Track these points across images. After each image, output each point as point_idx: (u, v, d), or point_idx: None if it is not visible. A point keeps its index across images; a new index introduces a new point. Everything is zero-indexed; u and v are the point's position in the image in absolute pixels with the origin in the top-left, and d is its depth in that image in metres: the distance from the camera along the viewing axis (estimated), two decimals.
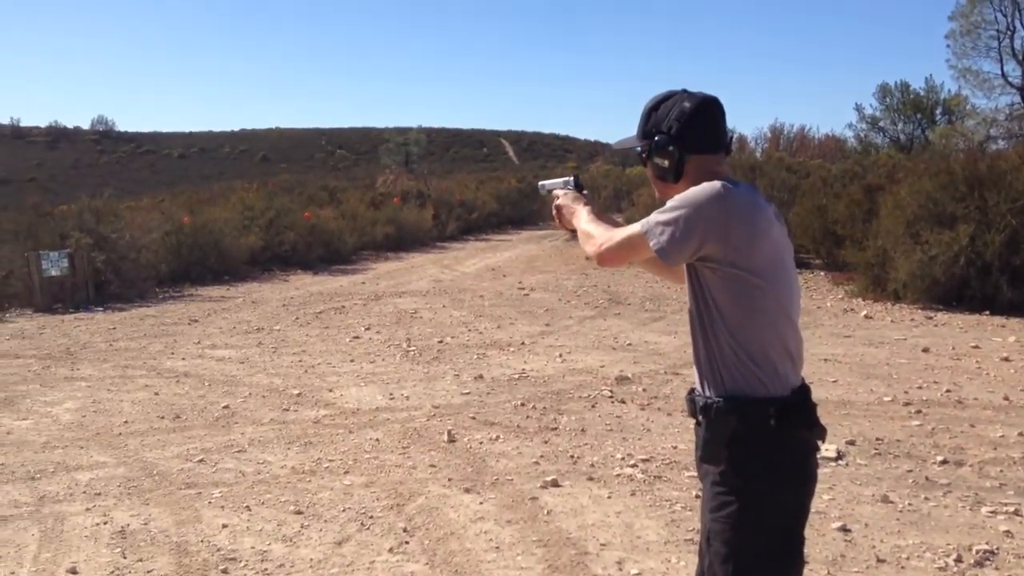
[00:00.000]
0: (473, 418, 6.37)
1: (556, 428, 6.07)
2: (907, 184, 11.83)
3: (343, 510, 4.67)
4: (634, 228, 2.22)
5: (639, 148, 2.37)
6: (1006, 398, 6.55)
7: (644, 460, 5.32)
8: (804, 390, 2.23)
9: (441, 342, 9.33)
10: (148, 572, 3.99)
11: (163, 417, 6.62)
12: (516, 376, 7.65)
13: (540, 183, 2.96)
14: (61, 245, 13.57)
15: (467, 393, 7.12)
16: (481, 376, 7.67)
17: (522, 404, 6.70)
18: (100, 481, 5.21)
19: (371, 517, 4.56)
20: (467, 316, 11.06)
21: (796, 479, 2.17)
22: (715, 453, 2.18)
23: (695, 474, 4.95)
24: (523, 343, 9.16)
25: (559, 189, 2.71)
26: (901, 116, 37.38)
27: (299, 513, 4.64)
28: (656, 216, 2.16)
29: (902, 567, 3.84)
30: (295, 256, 17.87)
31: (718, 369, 2.20)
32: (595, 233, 2.36)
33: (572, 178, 2.76)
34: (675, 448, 5.56)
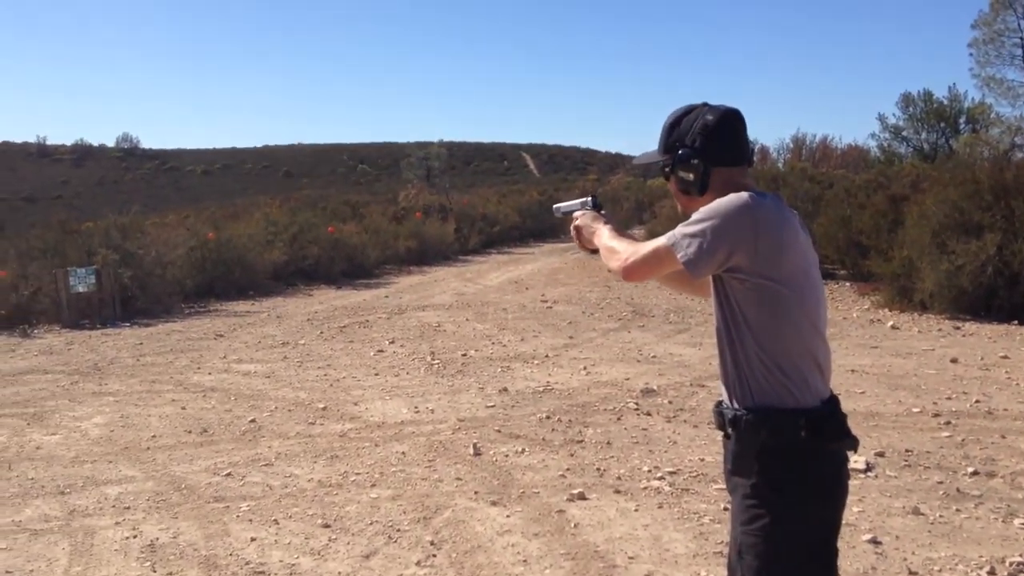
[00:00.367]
0: (498, 431, 6.36)
1: (582, 441, 6.05)
2: (932, 194, 11.75)
3: (370, 523, 4.68)
4: (659, 241, 2.22)
5: (662, 162, 2.37)
6: None
7: (671, 473, 5.30)
8: (833, 401, 2.22)
9: (465, 355, 9.34)
10: None
11: (190, 431, 6.67)
12: (541, 389, 7.65)
13: (555, 206, 2.97)
14: (88, 262, 13.72)
15: (492, 406, 7.12)
16: (505, 389, 7.67)
17: (547, 417, 6.69)
18: (129, 495, 5.25)
19: (398, 530, 4.57)
20: (490, 329, 11.07)
21: (828, 491, 2.16)
22: (746, 466, 2.17)
23: (723, 487, 4.92)
24: (547, 356, 9.15)
25: (577, 210, 2.72)
26: (924, 125, 37.13)
27: (327, 526, 4.65)
28: (682, 228, 2.16)
29: None
30: (319, 270, 17.96)
31: (747, 381, 2.19)
32: (619, 248, 2.36)
33: (590, 197, 2.76)
34: (702, 460, 5.53)
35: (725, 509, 4.65)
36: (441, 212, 25.71)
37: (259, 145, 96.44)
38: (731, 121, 2.28)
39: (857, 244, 13.25)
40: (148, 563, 4.25)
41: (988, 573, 3.82)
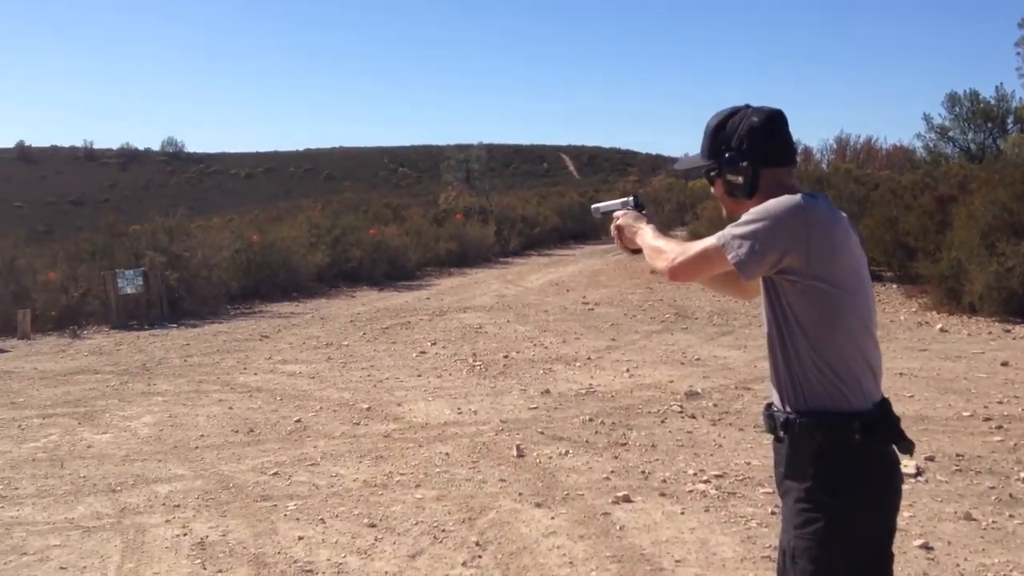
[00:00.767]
0: (541, 433, 6.37)
1: (626, 443, 6.04)
2: (981, 194, 11.54)
3: (415, 523, 4.71)
4: (709, 241, 2.21)
5: (707, 166, 2.36)
6: None
7: (717, 476, 5.26)
8: (886, 404, 2.20)
9: (507, 357, 9.35)
10: None
11: (237, 431, 6.75)
12: (583, 391, 7.64)
13: (594, 206, 2.93)
14: (136, 264, 13.95)
15: (534, 408, 7.12)
16: (548, 391, 7.67)
17: (590, 419, 6.68)
18: (179, 493, 5.33)
19: (443, 531, 4.59)
20: (532, 331, 11.07)
21: (883, 494, 2.14)
22: (800, 469, 2.15)
23: (770, 490, 4.90)
24: (589, 358, 9.14)
25: (617, 210, 2.70)
26: (971, 125, 36.43)
27: (372, 526, 4.69)
28: (732, 229, 2.15)
29: None
30: (361, 272, 18.10)
31: (799, 384, 2.17)
32: (666, 248, 2.34)
33: (632, 197, 2.73)
34: (748, 464, 5.49)
35: (773, 513, 4.61)
36: (481, 214, 25.77)
37: (301, 148, 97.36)
38: (777, 122, 2.27)
39: (904, 246, 13.06)
40: (198, 560, 4.31)
41: None
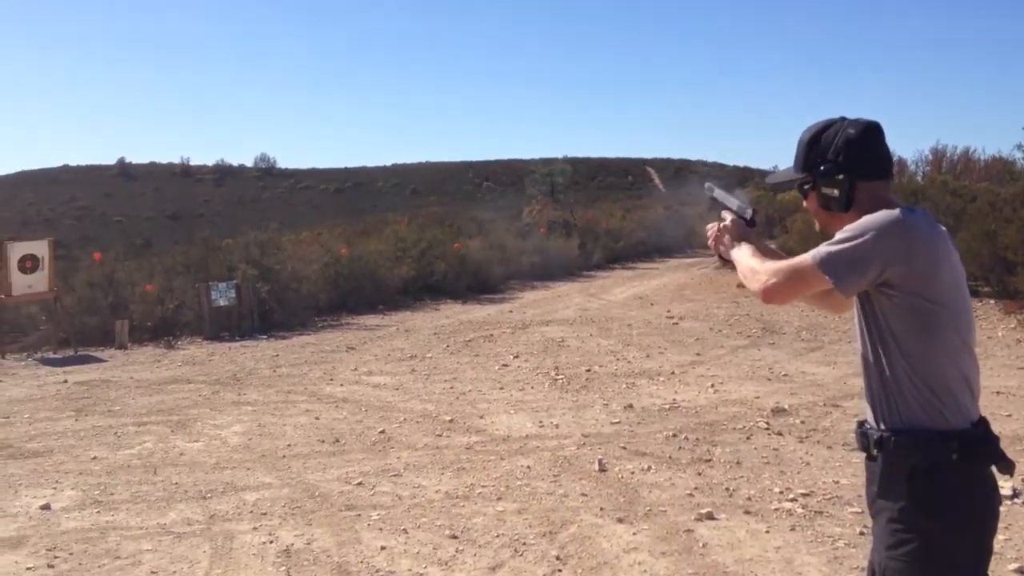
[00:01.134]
0: (624, 448, 6.31)
1: (710, 460, 5.94)
2: None
3: (496, 536, 4.71)
4: (803, 259, 2.15)
5: (801, 179, 2.31)
6: None
7: (804, 494, 5.14)
8: (984, 423, 2.12)
9: (589, 371, 9.31)
10: None
11: (323, 441, 6.87)
12: (667, 406, 7.55)
13: (708, 184, 2.80)
14: (228, 276, 14.34)
15: (617, 422, 7.07)
16: (631, 405, 7.61)
17: (674, 435, 6.59)
18: (266, 501, 5.45)
19: (524, 544, 4.58)
20: (615, 345, 11.00)
21: (979, 516, 2.06)
22: (894, 489, 2.09)
23: (859, 510, 4.76)
24: (673, 372, 9.03)
25: (728, 213, 2.60)
26: None
27: (454, 537, 4.71)
28: (827, 247, 2.09)
29: None
30: (445, 285, 18.26)
31: (894, 401, 2.11)
32: (759, 268, 2.29)
33: (751, 210, 2.60)
34: (836, 483, 5.34)
35: (861, 533, 4.48)
36: (565, 228, 25.74)
37: (388, 164, 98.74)
38: (874, 134, 2.22)
39: (1003, 260, 12.57)
40: (284, 568, 4.39)
41: None
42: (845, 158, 2.20)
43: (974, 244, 13.08)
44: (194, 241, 17.80)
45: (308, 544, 4.71)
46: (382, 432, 7.04)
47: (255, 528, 4.98)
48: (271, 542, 4.75)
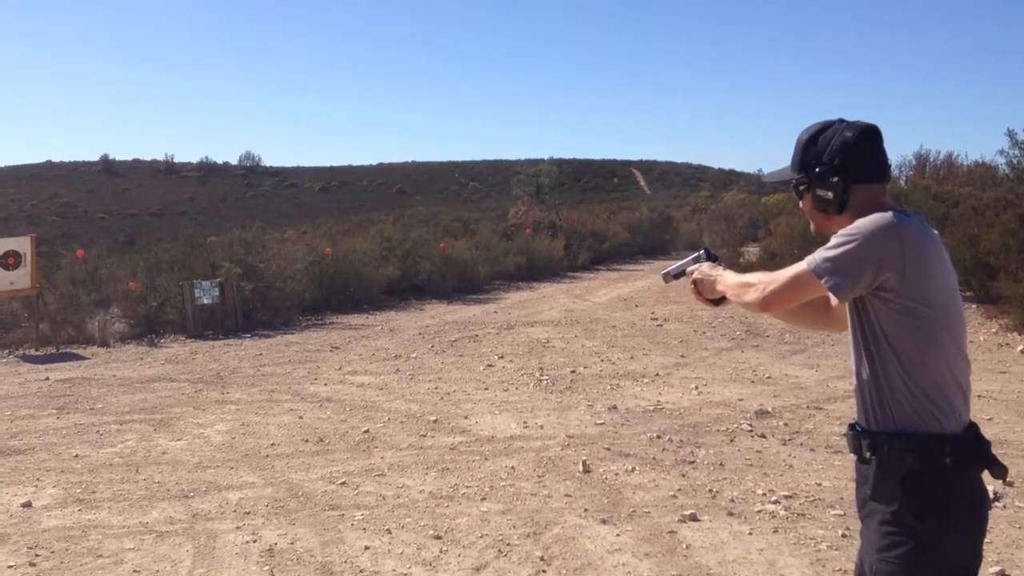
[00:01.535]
0: (608, 449, 6.32)
1: (693, 461, 5.96)
2: None
3: (480, 536, 4.71)
4: (799, 267, 2.18)
5: (796, 180, 2.33)
6: None
7: (787, 496, 5.16)
8: (975, 427, 2.15)
9: (574, 372, 9.32)
10: None
11: (307, 440, 6.85)
12: (651, 408, 7.57)
13: (663, 272, 2.93)
14: (212, 275, 14.29)
15: (601, 424, 7.08)
16: (615, 407, 7.62)
17: (658, 436, 6.61)
18: (249, 501, 5.43)
19: (508, 544, 4.58)
20: (600, 346, 11.02)
21: (971, 519, 2.08)
22: (886, 492, 2.10)
23: (841, 512, 4.79)
24: (657, 374, 9.05)
25: (690, 266, 2.69)
26: None
27: (438, 538, 4.71)
28: (823, 252, 2.11)
29: None
30: (430, 285, 18.26)
31: (888, 404, 2.12)
32: (753, 281, 2.31)
33: (703, 251, 2.73)
34: (819, 485, 5.37)
35: (844, 536, 4.51)
36: (550, 229, 25.78)
37: (374, 163, 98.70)
38: (871, 137, 2.24)
39: (985, 265, 12.66)
40: (267, 567, 4.38)
41: None
42: (840, 160, 2.21)
43: (957, 249, 13.16)
44: (178, 239, 17.71)
45: (291, 544, 4.69)
46: (366, 432, 7.03)
47: (238, 527, 4.97)
48: (254, 541, 4.74)
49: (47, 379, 10.05)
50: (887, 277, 2.06)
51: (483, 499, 5.32)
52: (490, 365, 9.92)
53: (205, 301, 13.65)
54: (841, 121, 2.29)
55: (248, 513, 5.20)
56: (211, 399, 8.60)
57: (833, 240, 2.12)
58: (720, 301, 2.55)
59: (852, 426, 2.26)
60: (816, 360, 9.48)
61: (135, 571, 4.42)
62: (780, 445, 6.31)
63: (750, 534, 4.63)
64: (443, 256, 18.99)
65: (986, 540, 4.35)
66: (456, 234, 23.41)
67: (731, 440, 6.47)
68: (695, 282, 2.62)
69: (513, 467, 5.95)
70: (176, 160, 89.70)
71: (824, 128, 2.29)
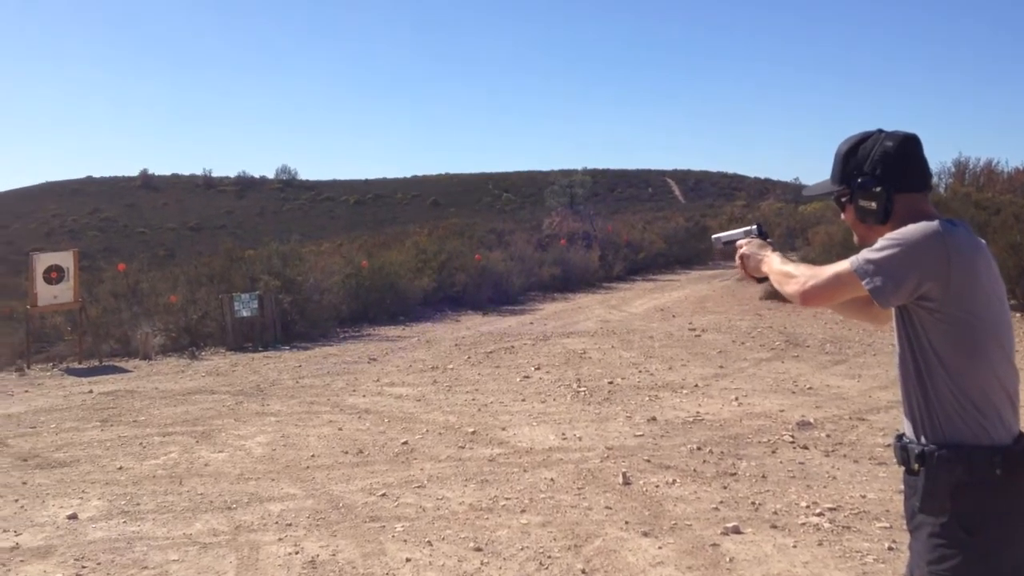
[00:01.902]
0: (648, 461, 6.28)
1: (735, 473, 5.90)
2: None
3: (521, 548, 4.70)
4: (842, 265, 2.16)
5: (838, 192, 2.31)
6: None
7: (831, 509, 5.09)
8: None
9: (611, 383, 9.28)
10: None
11: (347, 452, 6.88)
12: (690, 419, 7.51)
13: (714, 236, 2.92)
14: (251, 288, 14.44)
15: (640, 435, 7.04)
16: (654, 418, 7.58)
17: (698, 448, 6.56)
18: (291, 512, 5.46)
19: (549, 557, 4.57)
20: (637, 357, 10.97)
21: (1021, 531, 2.04)
22: (936, 504, 2.07)
23: (887, 525, 4.72)
24: (696, 385, 8.99)
25: (740, 239, 2.68)
26: None
27: (478, 550, 4.70)
28: (867, 254, 2.09)
29: None
30: (465, 297, 18.31)
31: (936, 415, 2.09)
32: (795, 272, 2.30)
33: (756, 226, 2.71)
34: (864, 497, 5.29)
35: (890, 548, 4.44)
36: (585, 239, 25.73)
37: (408, 175, 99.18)
38: (911, 146, 2.22)
39: None
40: None
41: None
42: (883, 170, 2.19)
43: (999, 257, 12.88)
44: (217, 252, 17.92)
45: (333, 555, 4.71)
46: (405, 443, 7.05)
47: (280, 539, 4.99)
48: (296, 553, 4.76)
49: (91, 392, 10.19)
50: (930, 287, 2.04)
51: (523, 511, 5.31)
52: (527, 376, 9.91)
53: (244, 314, 13.79)
54: (880, 131, 2.27)
55: (290, 525, 5.23)
56: (251, 411, 8.68)
57: (879, 243, 2.10)
58: (765, 279, 2.53)
59: (899, 437, 2.23)
60: (858, 370, 9.36)
61: None
62: (823, 456, 6.23)
63: (794, 547, 4.57)
64: (478, 267, 19.04)
65: None
66: (491, 245, 23.47)
67: (773, 452, 6.40)
68: (742, 256, 2.60)
69: (552, 479, 5.93)
70: (214, 175, 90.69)
71: (863, 139, 2.27)
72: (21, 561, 4.82)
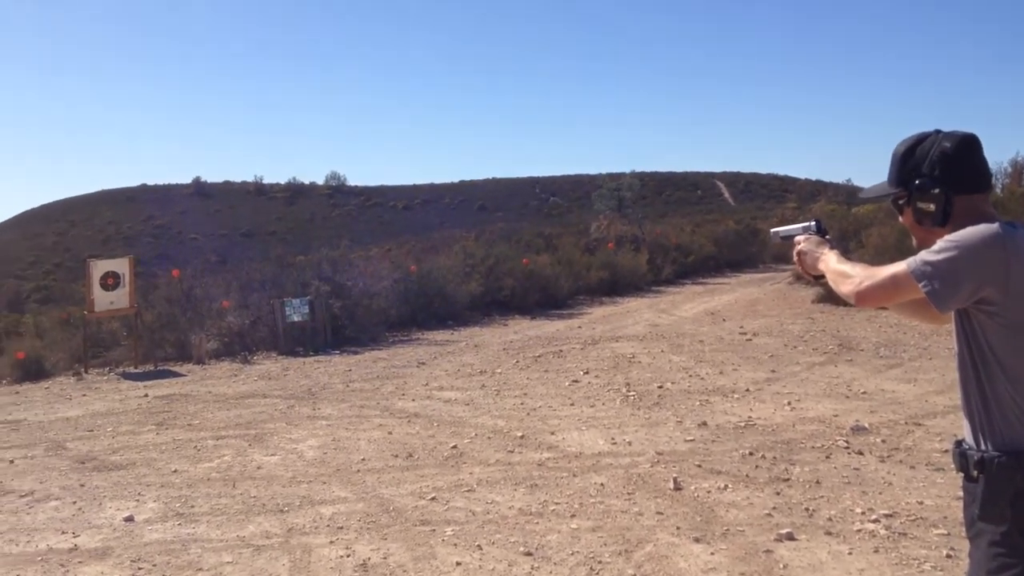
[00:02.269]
0: (699, 466, 6.22)
1: (788, 479, 5.82)
2: None
3: (571, 553, 4.68)
4: (899, 267, 2.11)
5: (895, 194, 2.27)
6: None
7: (887, 515, 5.00)
8: None
9: (661, 387, 9.21)
10: None
11: (397, 456, 6.92)
12: (742, 424, 7.42)
13: (773, 230, 2.90)
14: (302, 293, 14.61)
15: (691, 440, 6.97)
16: (705, 423, 7.50)
17: (750, 453, 6.48)
18: (342, 515, 5.50)
19: (600, 562, 4.54)
20: (687, 361, 10.88)
21: None
22: (996, 511, 2.02)
23: (944, 532, 4.62)
24: (748, 390, 8.88)
25: (799, 235, 2.64)
26: None
27: (528, 555, 4.69)
28: (925, 256, 2.04)
29: None
30: (513, 301, 18.33)
31: (996, 421, 2.04)
32: (852, 272, 2.26)
33: (815, 222, 2.67)
34: (921, 504, 5.19)
35: (948, 556, 4.34)
36: (633, 242, 25.61)
37: (455, 180, 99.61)
38: (971, 146, 2.17)
39: None
40: None
41: None
42: (941, 172, 2.15)
43: None
44: (268, 258, 18.16)
45: (384, 559, 4.73)
46: (454, 447, 7.07)
47: (332, 542, 5.03)
48: (348, 556, 4.79)
49: (146, 396, 10.38)
50: (990, 291, 1.99)
51: (573, 516, 5.29)
52: (575, 380, 9.88)
53: (295, 319, 13.96)
54: (937, 132, 2.22)
55: (341, 528, 5.27)
56: (303, 415, 8.77)
57: (937, 244, 2.06)
58: (821, 278, 2.49)
59: (959, 443, 2.18)
60: (913, 374, 9.19)
61: None
62: (878, 462, 6.12)
63: (850, 554, 4.49)
64: (526, 271, 19.04)
65: None
66: (538, 249, 23.47)
67: (827, 457, 6.30)
68: (799, 253, 2.56)
69: (602, 484, 5.90)
70: (265, 181, 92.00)
71: (920, 140, 2.23)
72: (79, 562, 4.92)
